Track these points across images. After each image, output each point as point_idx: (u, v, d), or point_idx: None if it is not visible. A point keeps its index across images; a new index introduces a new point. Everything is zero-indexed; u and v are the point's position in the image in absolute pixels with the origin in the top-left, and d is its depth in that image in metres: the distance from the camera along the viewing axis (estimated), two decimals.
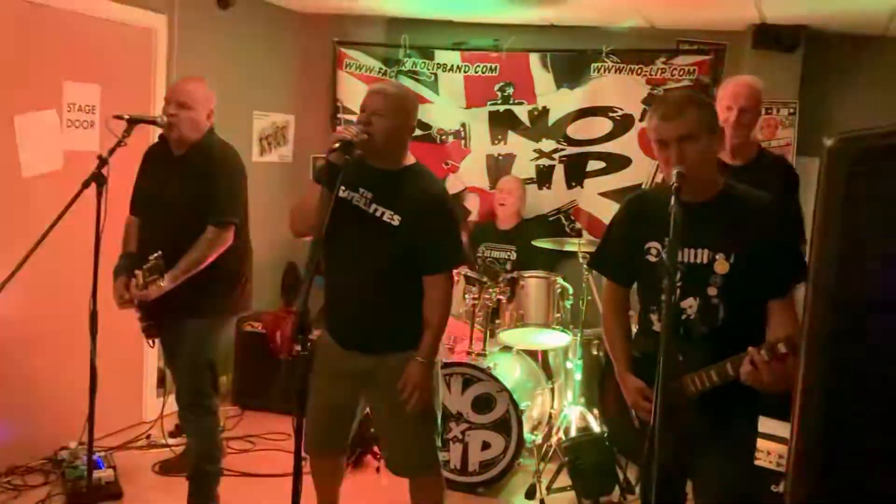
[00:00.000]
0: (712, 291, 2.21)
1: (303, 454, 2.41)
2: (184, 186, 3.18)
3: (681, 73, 4.99)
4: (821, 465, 1.22)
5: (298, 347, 2.34)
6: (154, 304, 3.13)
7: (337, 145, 2.55)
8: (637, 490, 3.70)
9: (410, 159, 2.83)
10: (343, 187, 2.70)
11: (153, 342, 3.29)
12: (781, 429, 3.01)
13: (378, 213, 2.72)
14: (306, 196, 2.75)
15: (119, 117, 3.07)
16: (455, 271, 4.19)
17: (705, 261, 2.21)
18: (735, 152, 3.26)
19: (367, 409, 3.06)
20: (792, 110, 4.93)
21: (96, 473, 3.40)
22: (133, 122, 3.07)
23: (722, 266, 2.20)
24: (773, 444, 3.12)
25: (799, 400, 1.25)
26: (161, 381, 4.48)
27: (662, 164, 2.23)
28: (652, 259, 2.31)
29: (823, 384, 1.20)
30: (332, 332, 2.88)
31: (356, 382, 2.84)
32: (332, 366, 2.85)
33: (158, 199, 3.23)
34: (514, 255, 4.69)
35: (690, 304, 2.23)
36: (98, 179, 2.86)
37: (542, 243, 4.46)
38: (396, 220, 2.69)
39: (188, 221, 3.12)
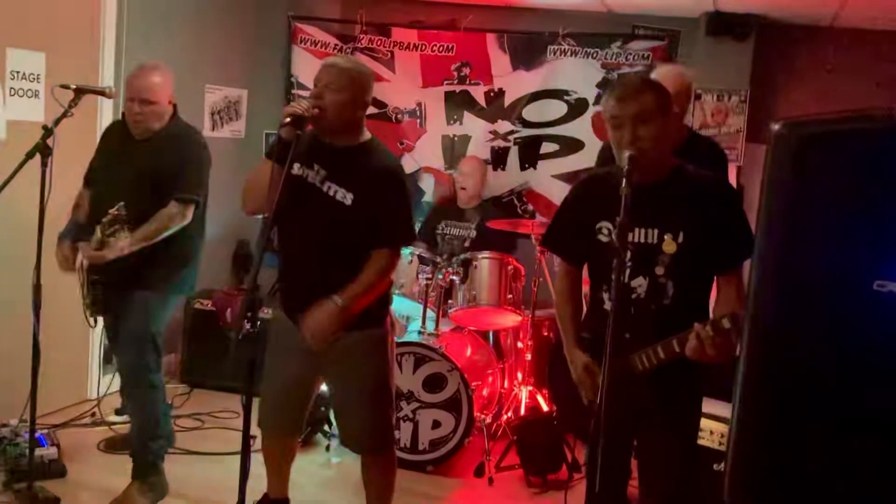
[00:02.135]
0: (660, 271, 2.25)
1: (252, 432, 2.41)
2: (149, 164, 3.15)
3: (635, 58, 5.03)
4: (760, 437, 1.26)
5: (248, 325, 2.32)
6: (101, 278, 3.08)
7: (288, 120, 2.51)
8: (583, 468, 3.77)
9: (366, 135, 2.80)
10: (297, 164, 2.66)
11: (95, 321, 3.24)
12: (724, 409, 3.08)
13: (331, 192, 2.68)
14: (258, 172, 2.70)
15: (65, 87, 3.00)
16: (411, 253, 4.20)
17: (654, 240, 2.25)
18: None
19: (320, 388, 3.06)
20: (743, 98, 5.02)
21: (39, 451, 3.32)
22: (80, 92, 3.01)
23: (669, 246, 2.23)
24: (715, 424, 3.20)
25: (742, 374, 1.28)
26: (107, 358, 4.40)
27: (615, 146, 2.23)
28: (603, 239, 2.33)
29: (766, 360, 1.24)
30: (288, 311, 2.85)
31: (312, 361, 2.82)
32: (288, 345, 2.83)
33: (119, 176, 3.18)
34: (473, 234, 4.70)
35: (640, 284, 2.27)
36: (43, 150, 2.79)
37: (497, 225, 4.49)
38: (349, 199, 2.67)
39: (147, 199, 3.08)
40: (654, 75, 3.35)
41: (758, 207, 1.25)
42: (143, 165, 3.16)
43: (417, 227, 5.00)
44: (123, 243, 2.94)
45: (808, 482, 1.27)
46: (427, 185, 5.49)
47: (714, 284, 2.35)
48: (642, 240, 2.25)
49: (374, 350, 2.83)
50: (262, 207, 2.64)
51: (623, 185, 1.99)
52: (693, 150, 3.29)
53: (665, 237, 2.23)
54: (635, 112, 2.18)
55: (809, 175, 1.18)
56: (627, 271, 2.26)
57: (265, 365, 2.88)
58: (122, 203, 2.88)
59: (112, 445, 3.84)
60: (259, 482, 2.99)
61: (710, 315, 2.27)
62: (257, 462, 2.87)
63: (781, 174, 1.20)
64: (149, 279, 3.17)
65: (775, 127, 1.22)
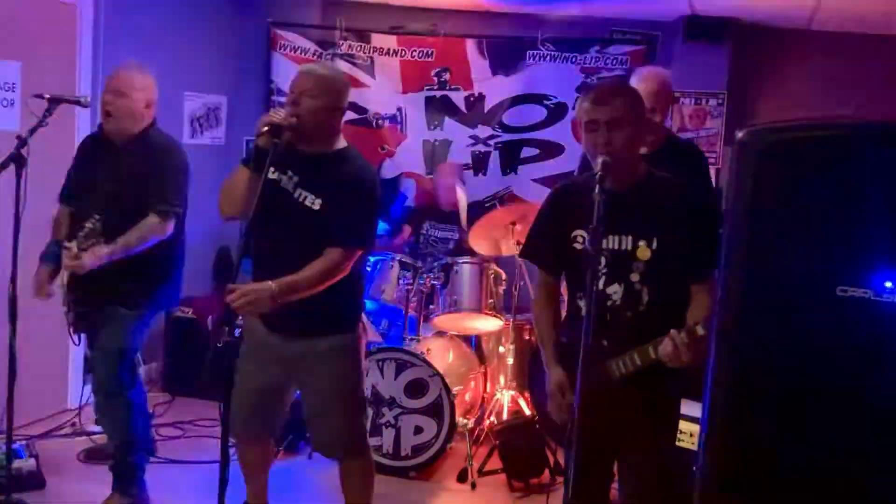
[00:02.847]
0: (635, 277, 2.26)
1: (231, 441, 2.40)
2: (129, 177, 3.11)
3: (614, 62, 5.07)
4: (729, 437, 1.27)
5: (226, 335, 2.32)
6: (81, 294, 3.06)
7: (265, 129, 2.52)
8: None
9: (342, 143, 2.80)
10: (273, 168, 2.65)
11: (79, 338, 3.21)
12: None
13: (301, 198, 2.68)
14: (233, 178, 2.70)
15: (39, 96, 2.98)
16: (392, 258, 4.20)
17: (629, 247, 2.26)
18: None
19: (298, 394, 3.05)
20: (720, 101, 5.06)
21: (17, 463, 3.30)
22: (55, 101, 2.98)
23: (644, 252, 2.25)
24: (694, 427, 3.21)
25: (709, 377, 1.30)
26: (88, 367, 4.37)
27: (590, 149, 2.25)
28: (578, 247, 2.34)
29: (732, 363, 1.25)
30: (261, 316, 2.84)
31: (285, 366, 2.82)
32: (261, 349, 2.82)
33: (99, 189, 3.13)
34: (456, 236, 4.71)
35: (615, 291, 2.28)
36: (17, 160, 2.77)
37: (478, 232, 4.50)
38: (317, 205, 2.66)
39: (129, 213, 3.04)
40: (635, 76, 3.37)
41: (723, 214, 1.27)
42: (122, 174, 3.12)
43: (406, 231, 5.05)
44: (103, 250, 2.90)
45: (776, 480, 1.29)
46: (408, 190, 5.50)
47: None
48: (616, 247, 2.27)
49: (345, 355, 2.83)
50: (237, 212, 2.64)
51: (596, 190, 2.01)
52: (672, 152, 3.31)
53: (639, 244, 2.25)
54: (609, 117, 2.20)
55: (772, 183, 1.20)
56: (603, 278, 2.27)
57: (237, 371, 2.86)
58: (97, 216, 2.84)
59: (92, 456, 3.81)
60: (241, 491, 2.98)
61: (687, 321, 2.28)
62: (237, 470, 2.86)
63: (745, 181, 1.22)
64: (123, 294, 3.12)
65: (739, 135, 1.24)
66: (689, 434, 3.24)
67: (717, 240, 2.24)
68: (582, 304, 2.36)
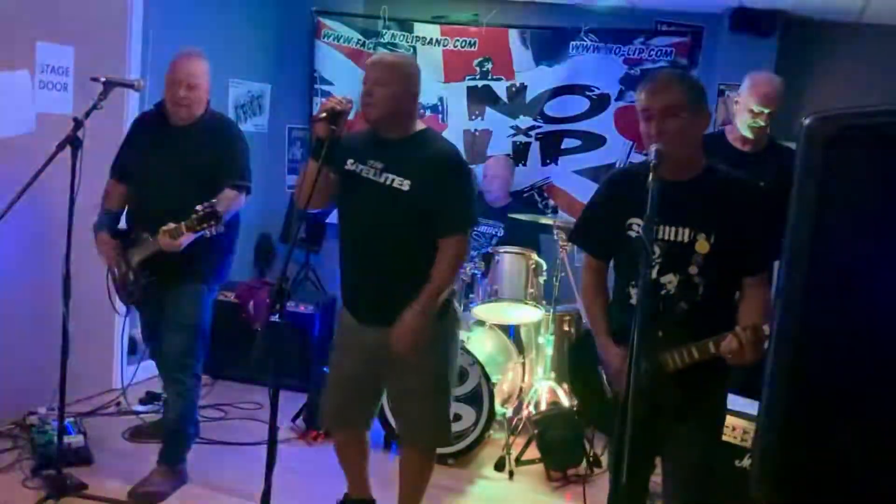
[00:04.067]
0: (693, 270, 2.24)
1: (278, 423, 2.43)
2: (194, 152, 3.21)
3: (658, 53, 5.03)
4: (789, 429, 1.26)
5: (275, 316, 2.35)
6: (156, 271, 3.18)
7: (323, 115, 2.55)
8: (604, 463, 3.78)
9: (420, 125, 2.83)
10: (351, 160, 2.74)
11: (128, 309, 3.30)
12: (747, 406, 3.08)
13: (388, 181, 2.70)
14: (304, 172, 2.75)
15: (96, 79, 3.04)
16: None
17: (686, 239, 2.24)
18: (746, 141, 3.32)
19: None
20: None
21: (66, 439, 3.36)
22: (110, 84, 3.04)
23: (703, 246, 2.23)
24: (738, 421, 3.19)
25: (771, 366, 1.28)
26: (132, 349, 4.45)
27: (645, 139, 2.25)
28: (634, 234, 2.33)
29: (795, 351, 1.24)
30: (349, 307, 2.88)
31: (368, 355, 2.83)
32: (350, 340, 2.88)
33: (162, 166, 3.22)
34: (501, 232, 4.71)
35: (670, 280, 2.26)
36: (73, 142, 2.83)
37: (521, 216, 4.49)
38: (406, 185, 2.68)
39: (194, 188, 3.10)
40: (748, 80, 3.34)
41: (789, 199, 1.25)
42: (187, 153, 3.21)
43: None
44: (210, 231, 2.97)
45: (836, 476, 1.27)
46: None
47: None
48: (673, 238, 2.25)
49: (433, 343, 2.79)
50: (311, 205, 2.67)
51: (650, 178, 2.00)
52: (775, 156, 3.28)
53: (698, 238, 2.24)
54: (663, 104, 2.20)
55: (839, 168, 1.18)
56: (657, 267, 2.26)
57: (331, 362, 2.94)
58: (214, 200, 2.93)
59: (137, 434, 3.90)
60: (283, 473, 3.01)
61: (738, 314, 2.26)
62: (282, 453, 2.90)
63: (812, 167, 1.20)
64: (197, 271, 3.25)
65: (807, 120, 1.22)
66: (731, 428, 3.22)
67: (777, 236, 2.23)
68: (633, 291, 2.35)
